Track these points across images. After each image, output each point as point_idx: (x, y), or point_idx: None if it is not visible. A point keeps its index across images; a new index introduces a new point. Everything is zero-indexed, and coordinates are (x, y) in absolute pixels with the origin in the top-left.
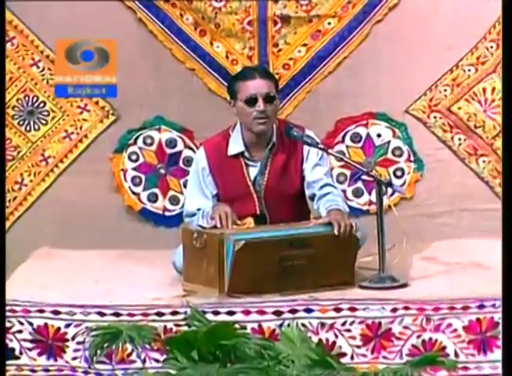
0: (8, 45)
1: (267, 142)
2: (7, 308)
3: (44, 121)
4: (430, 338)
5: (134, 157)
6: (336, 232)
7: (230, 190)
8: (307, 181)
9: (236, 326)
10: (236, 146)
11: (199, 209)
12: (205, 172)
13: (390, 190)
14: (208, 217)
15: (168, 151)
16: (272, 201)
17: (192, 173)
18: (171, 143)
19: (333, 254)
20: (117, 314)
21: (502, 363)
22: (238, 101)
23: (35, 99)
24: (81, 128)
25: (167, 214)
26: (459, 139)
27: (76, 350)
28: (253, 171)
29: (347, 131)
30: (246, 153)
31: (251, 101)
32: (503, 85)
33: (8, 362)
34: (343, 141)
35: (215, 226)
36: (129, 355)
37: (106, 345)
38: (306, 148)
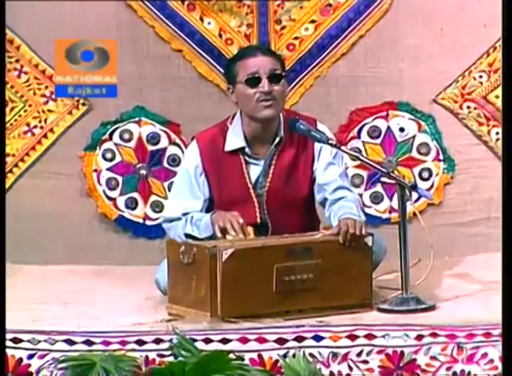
0: None
1: (273, 137)
2: None
3: None
4: (463, 371)
5: (109, 155)
6: (340, 240)
7: (226, 193)
8: (318, 183)
9: (232, 356)
10: (235, 140)
11: (184, 214)
12: (198, 171)
13: (415, 195)
14: (202, 223)
15: (150, 148)
16: (276, 207)
17: (181, 172)
18: (154, 139)
19: (343, 266)
20: (89, 342)
21: (502, 363)
22: (238, 84)
23: None
24: (45, 120)
25: (148, 223)
26: (497, 134)
27: None
28: (254, 171)
29: (363, 125)
30: (247, 149)
31: (253, 81)
32: (503, 84)
33: None
34: (358, 136)
35: (213, 235)
36: None
37: None
38: (318, 145)
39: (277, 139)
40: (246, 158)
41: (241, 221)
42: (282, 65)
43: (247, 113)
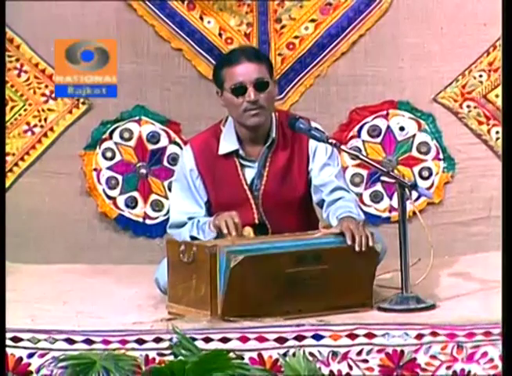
0: None
1: (265, 138)
2: None
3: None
4: (463, 370)
5: (109, 154)
6: (349, 242)
7: (223, 196)
8: (314, 184)
9: (232, 355)
10: (228, 143)
11: (190, 218)
12: (194, 175)
13: (415, 194)
14: (206, 226)
15: (150, 147)
16: (273, 208)
17: (179, 176)
18: (154, 138)
19: (348, 272)
20: (89, 341)
21: (502, 362)
22: (225, 91)
23: None
24: (45, 119)
25: (148, 222)
26: (497, 133)
27: None
28: (249, 173)
29: (363, 124)
30: (241, 152)
31: (239, 90)
32: (503, 83)
33: None
34: (358, 135)
35: (217, 237)
36: None
37: None
38: (312, 144)
39: (269, 141)
40: (241, 161)
41: (237, 220)
42: (269, 69)
43: (236, 120)
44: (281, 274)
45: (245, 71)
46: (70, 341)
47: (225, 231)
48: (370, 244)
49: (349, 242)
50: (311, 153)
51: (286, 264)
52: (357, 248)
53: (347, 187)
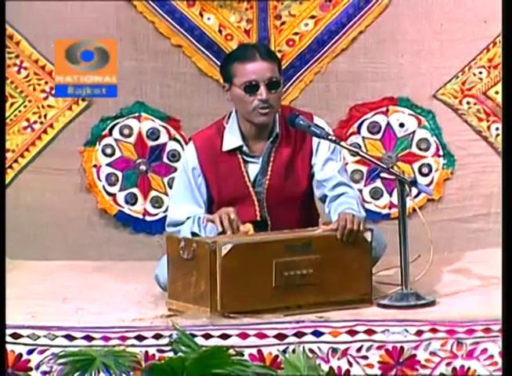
0: None
1: (269, 133)
2: None
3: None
4: (462, 366)
5: (109, 150)
6: (338, 235)
7: (226, 193)
8: (316, 179)
9: (232, 351)
10: (232, 139)
11: (189, 218)
12: (196, 173)
13: (414, 190)
14: (209, 225)
15: (150, 144)
16: (276, 204)
17: (180, 174)
18: (154, 134)
19: (342, 262)
20: (89, 338)
21: (502, 358)
22: (234, 86)
23: None
24: (45, 116)
25: (148, 218)
26: (497, 129)
27: None
28: (253, 169)
29: (363, 120)
30: (244, 148)
31: (251, 88)
32: (503, 80)
33: None
34: (358, 132)
35: (220, 233)
36: None
37: (76, 374)
38: (316, 139)
39: (273, 136)
40: (244, 157)
41: (232, 216)
42: (279, 67)
43: (243, 116)
44: (273, 263)
45: (259, 69)
46: (70, 338)
47: (219, 228)
48: (355, 227)
49: (338, 235)
50: (314, 147)
51: (277, 252)
52: (338, 235)
53: (349, 183)
